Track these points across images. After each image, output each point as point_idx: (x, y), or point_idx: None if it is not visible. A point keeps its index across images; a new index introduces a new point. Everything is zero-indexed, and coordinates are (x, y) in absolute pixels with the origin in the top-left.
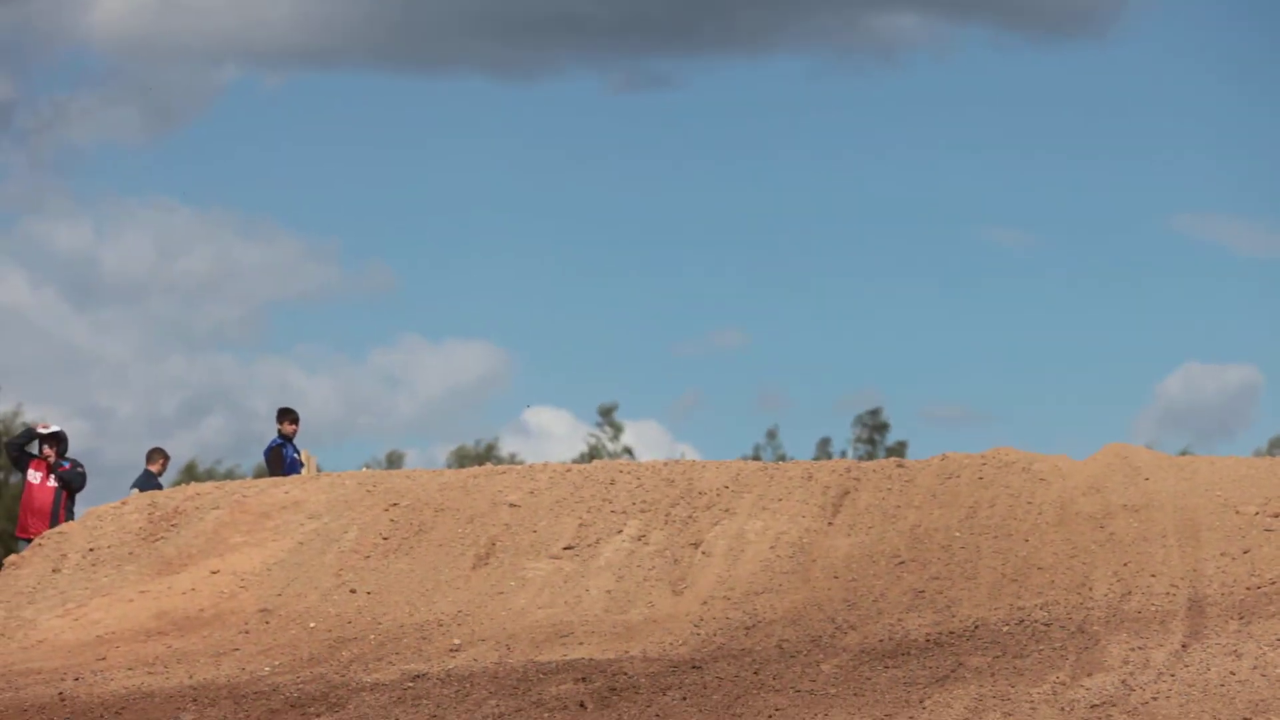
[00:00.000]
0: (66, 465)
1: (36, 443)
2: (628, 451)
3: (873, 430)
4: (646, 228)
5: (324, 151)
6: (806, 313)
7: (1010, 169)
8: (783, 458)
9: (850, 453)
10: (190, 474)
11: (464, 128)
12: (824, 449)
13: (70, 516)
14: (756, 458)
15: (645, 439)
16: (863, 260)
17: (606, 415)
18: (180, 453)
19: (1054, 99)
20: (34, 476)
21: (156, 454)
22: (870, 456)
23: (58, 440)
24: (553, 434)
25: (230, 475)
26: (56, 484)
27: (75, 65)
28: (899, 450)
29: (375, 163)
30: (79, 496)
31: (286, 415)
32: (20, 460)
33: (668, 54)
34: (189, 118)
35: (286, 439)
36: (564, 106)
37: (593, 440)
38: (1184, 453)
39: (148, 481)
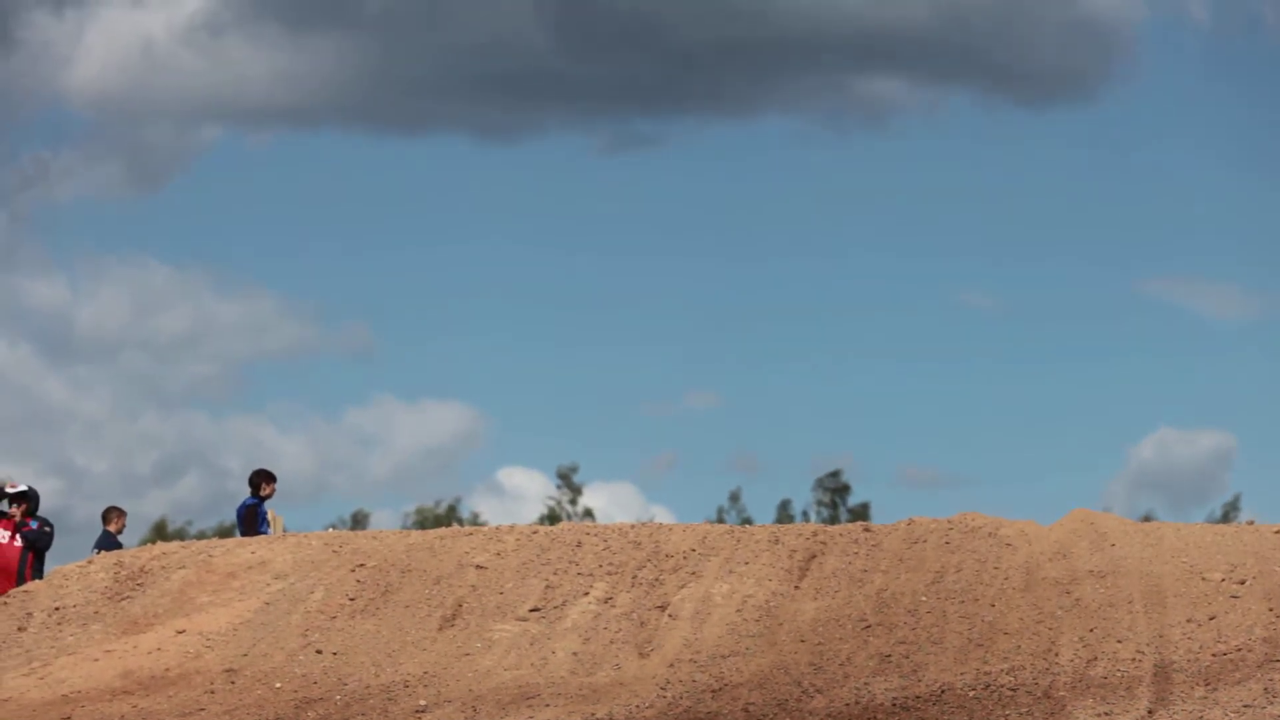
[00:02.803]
0: (34, 525)
1: (5, 501)
2: (589, 514)
3: (834, 493)
4: (628, 289)
5: (305, 211)
6: (783, 376)
7: (988, 233)
8: (748, 520)
9: (812, 515)
10: (160, 533)
11: (446, 188)
12: (785, 511)
13: (39, 576)
14: (721, 520)
15: (618, 501)
16: (840, 324)
17: (566, 478)
18: (154, 511)
19: (1035, 162)
20: (1, 535)
21: (113, 513)
22: (832, 520)
23: (25, 499)
24: (527, 494)
25: (201, 536)
26: (22, 543)
27: (56, 123)
28: (861, 513)
29: (356, 223)
30: (49, 556)
31: (268, 477)
32: None
33: (654, 115)
34: (170, 177)
35: (263, 500)
36: (548, 167)
37: (552, 503)
38: (1147, 518)
39: (108, 541)
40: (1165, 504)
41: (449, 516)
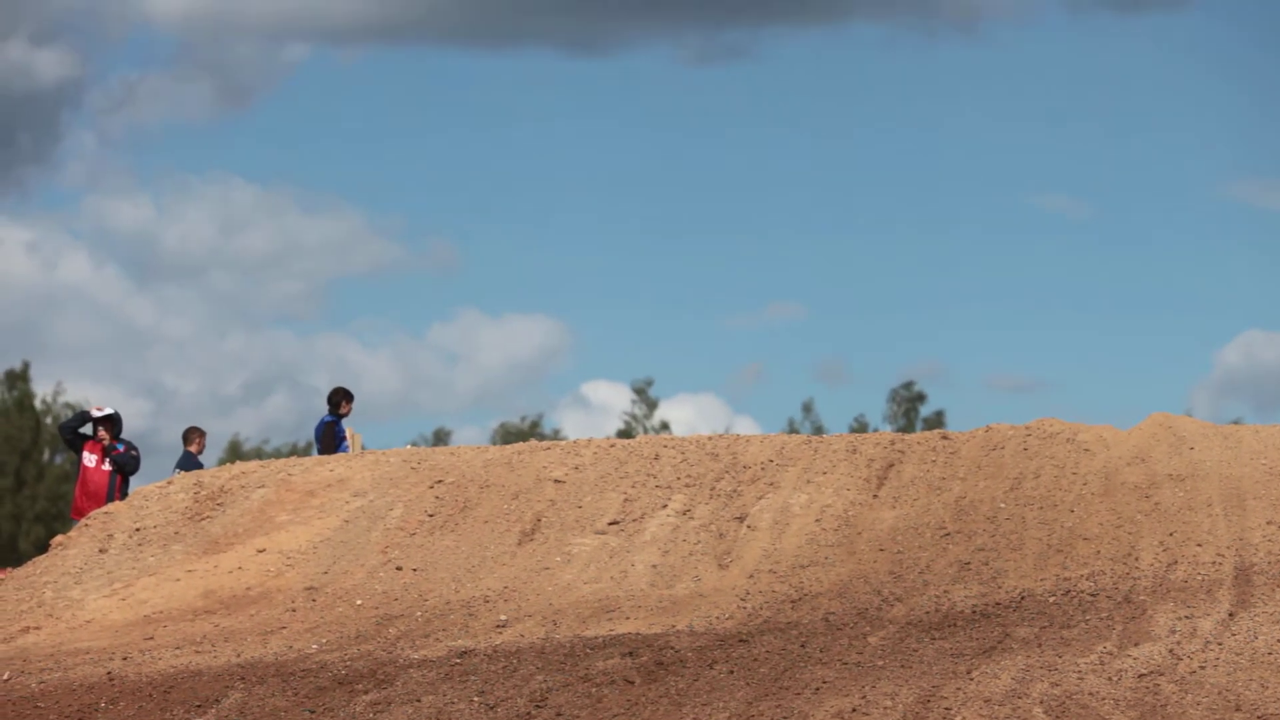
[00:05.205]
0: (120, 448)
1: (90, 425)
2: (665, 427)
3: (908, 402)
4: (716, 201)
5: (390, 128)
6: (868, 284)
7: (1075, 137)
8: (820, 430)
9: (885, 426)
10: (234, 453)
11: (532, 104)
12: (858, 422)
13: (125, 499)
14: (794, 431)
15: (703, 412)
16: (925, 229)
17: (641, 392)
18: (244, 431)
19: (1124, 67)
20: (89, 459)
21: (194, 433)
22: (907, 429)
23: (111, 423)
24: (612, 408)
25: (277, 454)
26: (111, 467)
27: (144, 45)
28: (936, 421)
29: (441, 139)
30: (134, 478)
31: (347, 395)
32: (75, 443)
33: (742, 25)
34: (257, 96)
35: (341, 417)
36: (636, 80)
37: (628, 418)
38: (1235, 423)
39: (189, 462)
40: (1252, 408)
41: (529, 433)
